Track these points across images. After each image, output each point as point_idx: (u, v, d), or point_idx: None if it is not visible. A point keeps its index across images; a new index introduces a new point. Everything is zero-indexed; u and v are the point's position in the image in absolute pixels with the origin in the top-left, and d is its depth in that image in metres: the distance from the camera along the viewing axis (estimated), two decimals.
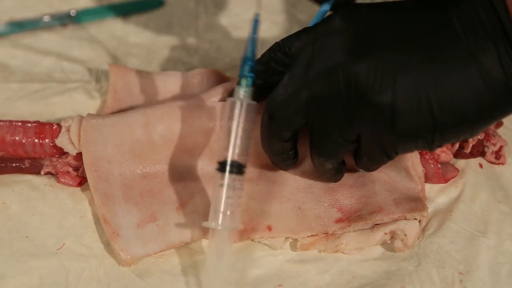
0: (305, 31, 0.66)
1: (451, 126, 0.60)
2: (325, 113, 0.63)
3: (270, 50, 0.68)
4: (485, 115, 0.60)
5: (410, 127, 0.60)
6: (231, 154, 0.64)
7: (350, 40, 0.62)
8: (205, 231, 0.69)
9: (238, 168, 0.65)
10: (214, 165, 0.72)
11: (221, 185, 0.64)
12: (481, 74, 0.59)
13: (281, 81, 0.65)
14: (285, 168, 0.72)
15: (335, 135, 0.63)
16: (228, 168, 0.64)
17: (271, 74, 0.68)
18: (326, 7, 0.71)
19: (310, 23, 0.69)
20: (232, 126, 0.65)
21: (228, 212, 0.64)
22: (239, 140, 0.64)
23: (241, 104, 0.65)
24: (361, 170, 0.72)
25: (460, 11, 0.60)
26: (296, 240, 0.70)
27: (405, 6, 0.63)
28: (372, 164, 0.68)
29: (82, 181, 0.74)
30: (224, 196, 0.64)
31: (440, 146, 0.62)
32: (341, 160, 0.68)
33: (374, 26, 0.62)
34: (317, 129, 0.65)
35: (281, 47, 0.67)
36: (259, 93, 0.69)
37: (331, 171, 0.69)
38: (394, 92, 0.60)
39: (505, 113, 0.61)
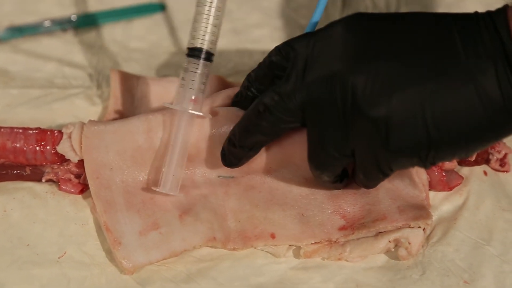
0: (305, 36, 0.66)
1: (446, 145, 0.60)
2: (320, 121, 0.63)
3: (270, 54, 0.68)
4: (481, 135, 0.59)
5: (404, 143, 0.60)
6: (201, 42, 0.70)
7: (350, 49, 0.62)
8: (207, 239, 0.68)
9: (206, 55, 0.70)
10: (218, 172, 0.72)
11: (186, 69, 0.70)
12: (479, 94, 0.58)
13: (278, 81, 0.65)
14: (239, 162, 0.70)
15: (330, 148, 0.63)
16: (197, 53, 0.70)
17: (271, 79, 0.68)
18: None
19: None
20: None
21: (193, 97, 0.69)
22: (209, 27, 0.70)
23: None
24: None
25: (463, 29, 0.60)
26: (299, 247, 0.69)
27: (408, 19, 0.62)
28: (369, 181, 0.67)
29: (83, 189, 0.73)
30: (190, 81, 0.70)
31: (434, 164, 0.61)
32: (338, 173, 0.67)
33: (376, 37, 0.62)
34: (313, 140, 0.64)
35: (281, 51, 0.67)
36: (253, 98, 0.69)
37: (329, 183, 0.68)
38: (390, 106, 0.59)
39: (502, 135, 0.60)
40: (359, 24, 0.63)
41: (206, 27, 0.70)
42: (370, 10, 0.94)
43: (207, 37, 0.71)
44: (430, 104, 0.59)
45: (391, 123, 0.59)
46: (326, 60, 0.62)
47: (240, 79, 0.74)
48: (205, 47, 0.70)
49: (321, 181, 0.68)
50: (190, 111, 0.69)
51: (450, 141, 0.59)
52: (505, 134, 0.60)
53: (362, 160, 0.63)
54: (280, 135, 0.68)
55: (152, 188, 0.70)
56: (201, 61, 0.70)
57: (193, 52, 0.71)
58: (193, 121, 0.70)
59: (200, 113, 0.69)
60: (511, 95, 0.58)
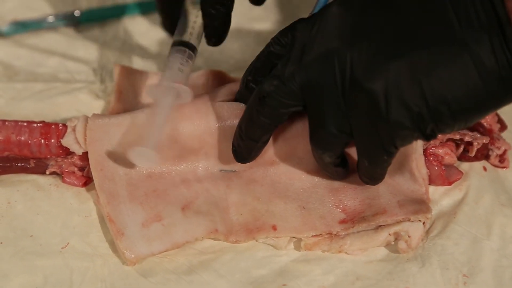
0: (301, 20, 0.66)
1: (445, 115, 0.60)
2: (320, 100, 0.63)
3: (268, 45, 0.68)
4: (479, 104, 0.60)
5: (404, 114, 0.60)
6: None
7: (346, 27, 0.62)
8: (209, 231, 0.69)
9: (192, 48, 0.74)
10: (220, 166, 0.73)
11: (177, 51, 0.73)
12: (474, 63, 0.59)
13: (276, 66, 0.66)
14: (249, 157, 0.71)
15: (330, 125, 0.64)
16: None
17: (270, 69, 0.68)
18: None
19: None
20: None
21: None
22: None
23: None
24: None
25: (457, 1, 0.60)
26: (300, 240, 0.70)
27: None
28: (374, 167, 0.67)
29: (87, 181, 0.74)
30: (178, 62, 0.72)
31: (435, 136, 0.62)
32: (339, 153, 0.67)
33: (370, 12, 0.62)
34: (313, 118, 0.65)
35: (279, 40, 0.67)
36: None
37: (331, 165, 0.69)
38: (387, 78, 0.60)
39: (499, 103, 0.61)
40: (352, 2, 0.64)
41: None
42: None
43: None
44: (427, 74, 0.59)
45: (390, 95, 0.60)
46: (323, 40, 0.63)
47: (242, 74, 0.74)
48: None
49: (323, 163, 0.68)
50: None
51: (448, 111, 0.60)
52: (502, 102, 0.61)
53: (362, 140, 0.64)
54: (283, 120, 0.68)
55: (134, 147, 0.69)
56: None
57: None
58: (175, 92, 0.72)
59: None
60: (506, 63, 0.58)
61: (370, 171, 0.67)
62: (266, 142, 0.70)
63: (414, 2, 0.62)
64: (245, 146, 0.69)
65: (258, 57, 0.70)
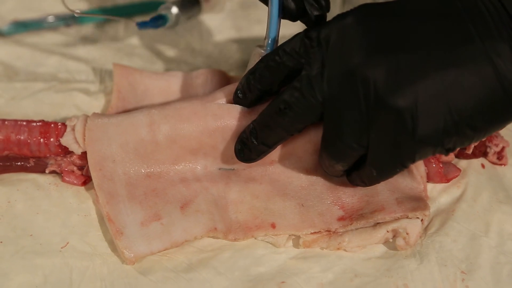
0: (316, 31, 0.65)
1: (469, 129, 0.61)
2: (340, 114, 0.63)
3: (278, 53, 0.67)
4: (500, 116, 0.61)
5: (431, 131, 0.60)
6: None
7: (366, 41, 0.62)
8: (208, 230, 0.69)
9: None
10: (219, 165, 0.73)
11: None
12: (497, 76, 0.59)
13: (296, 78, 0.65)
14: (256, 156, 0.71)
15: (349, 139, 0.63)
16: None
17: (282, 80, 0.68)
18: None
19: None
20: None
21: None
22: None
23: None
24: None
25: (473, 12, 0.60)
26: (298, 238, 0.70)
27: (416, 5, 0.63)
28: (383, 177, 0.67)
29: (86, 180, 0.74)
30: None
31: (454, 150, 0.62)
32: (352, 163, 0.67)
33: (388, 27, 0.62)
34: (331, 130, 0.65)
35: (292, 49, 0.66)
36: (260, 98, 0.70)
37: (340, 172, 0.69)
38: (414, 96, 0.60)
39: None
40: (369, 15, 0.63)
41: None
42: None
43: None
44: (453, 90, 0.59)
45: (417, 113, 0.60)
46: (343, 55, 0.63)
47: (242, 74, 0.74)
48: None
49: (332, 170, 0.69)
50: None
51: (472, 125, 0.60)
52: None
53: (379, 153, 0.63)
54: (300, 131, 0.68)
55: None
56: None
57: None
58: None
59: None
60: None
61: (375, 179, 0.67)
62: (276, 147, 0.70)
63: (431, 15, 0.62)
64: (256, 149, 0.69)
65: (267, 66, 0.68)
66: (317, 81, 0.64)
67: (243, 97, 0.71)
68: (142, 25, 0.80)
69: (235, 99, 0.72)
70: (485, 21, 0.60)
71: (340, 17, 0.65)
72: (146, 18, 0.79)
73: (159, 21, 0.82)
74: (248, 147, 0.69)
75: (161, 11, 0.83)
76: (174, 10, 0.84)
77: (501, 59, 0.59)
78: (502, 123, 0.62)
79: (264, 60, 0.69)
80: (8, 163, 0.74)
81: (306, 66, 0.65)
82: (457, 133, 0.61)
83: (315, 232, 0.70)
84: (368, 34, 0.62)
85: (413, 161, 0.63)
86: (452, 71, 0.60)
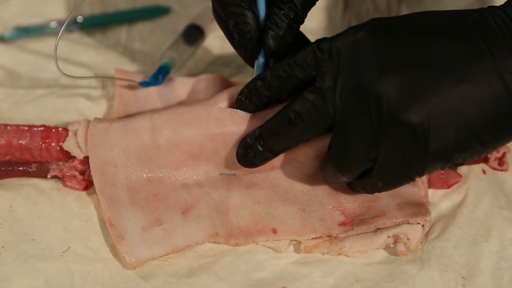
0: (327, 43, 0.65)
1: (479, 144, 0.61)
2: (351, 128, 0.63)
3: (288, 64, 0.67)
4: (510, 132, 0.62)
5: (443, 147, 0.61)
6: None
7: (378, 57, 0.62)
8: (210, 235, 0.69)
9: None
10: (220, 170, 0.73)
11: None
12: (507, 93, 0.60)
13: (308, 89, 0.65)
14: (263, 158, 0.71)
15: (358, 153, 0.64)
16: None
17: (291, 90, 0.68)
18: (261, 59, 0.71)
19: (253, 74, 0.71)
20: None
21: None
22: None
23: None
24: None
25: (484, 28, 0.61)
26: (300, 243, 0.70)
27: (427, 20, 0.63)
28: (388, 189, 0.67)
29: (88, 185, 0.74)
30: None
31: (463, 164, 0.63)
32: (357, 176, 0.67)
33: (402, 42, 0.62)
34: (340, 143, 0.65)
35: (304, 61, 0.66)
36: (266, 105, 0.70)
37: (344, 183, 0.70)
38: (427, 112, 0.60)
39: None
40: (381, 30, 0.63)
41: None
42: (371, 11, 0.94)
43: None
44: (465, 105, 0.60)
45: (429, 128, 0.60)
46: (356, 70, 0.63)
47: (243, 79, 0.74)
48: None
49: (337, 181, 0.69)
50: None
51: (482, 140, 0.61)
52: None
53: (388, 167, 0.64)
54: (308, 141, 0.68)
55: None
56: None
57: None
58: None
59: None
60: None
61: (379, 190, 0.68)
62: (280, 154, 0.70)
63: (443, 31, 0.62)
64: (261, 155, 0.69)
65: (277, 76, 0.68)
66: (329, 95, 0.64)
67: (250, 102, 0.71)
68: (145, 84, 0.81)
69: (239, 104, 0.72)
70: (496, 38, 0.61)
71: (352, 30, 0.64)
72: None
73: (163, 73, 0.82)
74: (253, 152, 0.69)
75: (163, 60, 0.84)
76: (174, 55, 0.85)
77: (510, 75, 0.60)
78: (510, 139, 0.63)
79: (274, 68, 0.68)
80: (10, 168, 0.75)
81: (318, 79, 0.65)
82: (467, 149, 0.61)
83: (316, 238, 0.70)
84: (380, 50, 0.62)
85: (422, 175, 0.64)
86: (464, 87, 0.60)
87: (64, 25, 0.73)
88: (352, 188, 0.71)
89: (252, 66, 0.72)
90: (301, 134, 0.67)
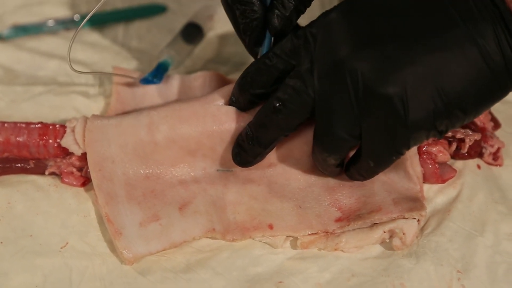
0: (303, 29, 0.66)
1: (459, 109, 0.62)
2: (332, 107, 0.64)
3: (267, 57, 0.68)
4: (488, 96, 0.62)
5: (422, 115, 0.62)
6: None
7: (351, 33, 0.63)
8: (207, 231, 0.70)
9: None
10: (217, 167, 0.73)
11: None
12: (483, 57, 0.60)
13: (288, 76, 0.66)
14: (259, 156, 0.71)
15: (340, 130, 0.64)
16: None
17: (273, 82, 0.68)
18: (264, 50, 0.71)
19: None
20: None
21: None
22: None
23: None
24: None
25: None
26: (296, 238, 0.70)
27: None
28: (380, 167, 0.68)
29: (85, 182, 0.75)
30: None
31: (447, 132, 0.64)
32: (344, 156, 0.68)
33: (373, 17, 0.63)
34: (322, 123, 0.66)
35: (282, 51, 0.67)
36: (252, 102, 0.70)
37: (333, 166, 0.70)
38: (403, 82, 0.61)
39: (505, 94, 0.63)
40: (352, 10, 0.65)
41: None
42: None
43: None
44: (441, 73, 0.61)
45: (407, 98, 0.61)
46: (330, 49, 0.64)
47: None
48: None
49: (325, 165, 0.69)
50: None
51: (461, 106, 0.62)
52: (507, 92, 0.63)
53: (374, 143, 0.65)
54: (294, 129, 0.69)
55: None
56: None
57: None
58: None
59: None
60: (511, 55, 0.60)
61: (373, 171, 0.69)
62: (272, 149, 0.71)
63: (413, 3, 0.63)
64: (252, 151, 0.70)
65: (258, 69, 0.69)
66: (308, 77, 0.65)
67: (236, 100, 0.72)
68: (145, 82, 0.81)
69: (230, 103, 0.73)
70: (467, 4, 0.61)
71: (325, 14, 0.66)
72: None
73: (162, 71, 0.83)
74: (244, 149, 0.70)
75: (161, 57, 0.84)
76: (172, 53, 0.85)
77: (485, 40, 0.60)
78: (490, 102, 0.63)
79: (254, 64, 0.69)
80: (8, 165, 0.75)
81: (297, 65, 0.66)
82: (448, 115, 0.62)
83: (312, 233, 0.70)
84: (352, 27, 0.64)
85: (408, 147, 0.64)
86: (438, 55, 0.61)
87: (86, 19, 0.74)
88: (350, 176, 0.71)
89: (254, 56, 0.72)
90: (286, 121, 0.67)
